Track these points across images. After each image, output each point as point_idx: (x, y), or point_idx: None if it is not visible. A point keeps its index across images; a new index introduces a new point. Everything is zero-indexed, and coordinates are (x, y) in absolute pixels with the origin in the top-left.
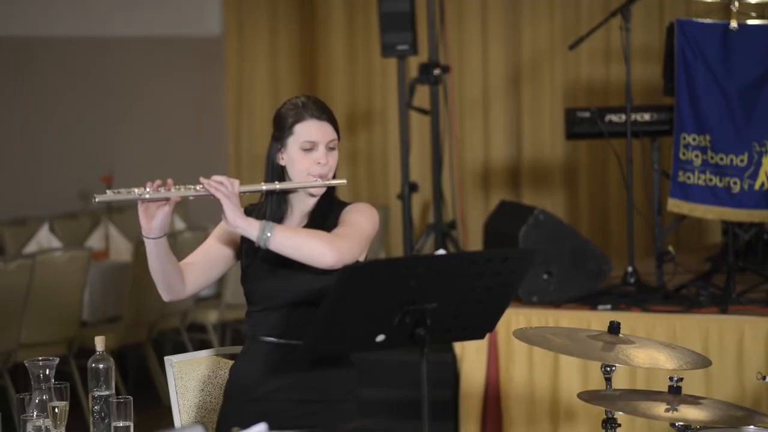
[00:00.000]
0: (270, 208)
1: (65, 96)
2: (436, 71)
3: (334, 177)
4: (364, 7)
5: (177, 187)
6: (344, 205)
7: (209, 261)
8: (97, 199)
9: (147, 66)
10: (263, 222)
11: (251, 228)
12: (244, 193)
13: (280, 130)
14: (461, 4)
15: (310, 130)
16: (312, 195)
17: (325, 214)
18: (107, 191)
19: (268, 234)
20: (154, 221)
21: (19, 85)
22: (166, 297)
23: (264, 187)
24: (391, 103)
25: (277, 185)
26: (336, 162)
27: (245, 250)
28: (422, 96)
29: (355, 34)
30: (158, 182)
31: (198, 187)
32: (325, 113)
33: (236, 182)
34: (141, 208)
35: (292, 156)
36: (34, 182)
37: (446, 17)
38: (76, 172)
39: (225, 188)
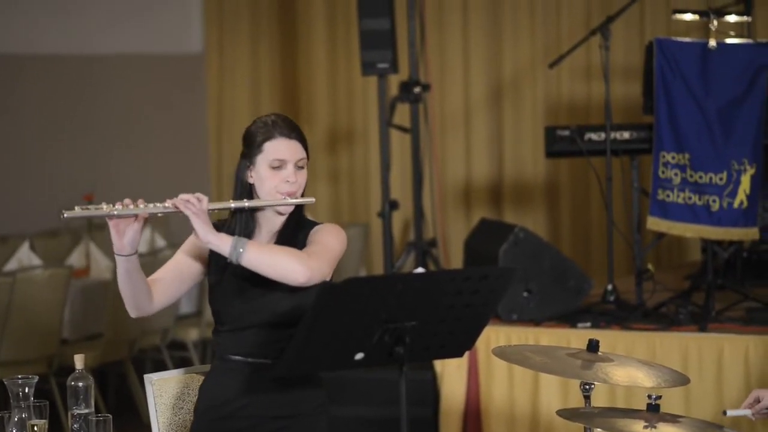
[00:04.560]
0: (238, 226)
1: (46, 113)
2: (417, 89)
3: (302, 196)
4: (345, 25)
5: (145, 203)
6: (313, 224)
7: (177, 277)
8: (65, 215)
9: (128, 83)
10: (235, 237)
11: (223, 244)
12: (213, 210)
13: (249, 147)
14: (442, 22)
15: (279, 148)
16: (280, 213)
17: (294, 233)
18: (76, 207)
19: (241, 249)
20: (125, 238)
21: None
22: (133, 314)
23: (233, 204)
24: (372, 121)
25: (246, 203)
26: (305, 181)
27: (213, 267)
28: (403, 114)
29: (336, 52)
30: (127, 200)
31: (167, 204)
32: (294, 131)
33: (205, 199)
34: (111, 225)
35: (261, 174)
36: (15, 200)
37: (427, 35)
38: (57, 189)
39: (193, 206)
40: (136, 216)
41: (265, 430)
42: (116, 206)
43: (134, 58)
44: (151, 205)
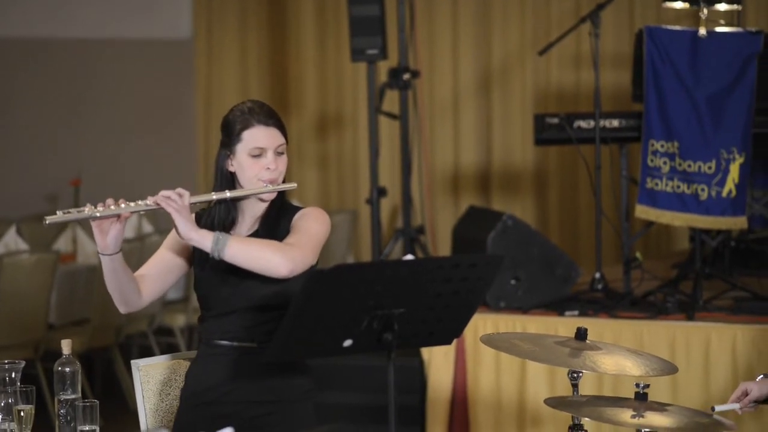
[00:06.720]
0: (219, 215)
1: (34, 97)
2: (406, 76)
3: (283, 181)
4: (335, 11)
5: (127, 203)
6: (295, 209)
7: (162, 271)
8: (48, 221)
9: (117, 68)
10: (216, 234)
11: (205, 240)
12: (195, 203)
13: (228, 136)
14: (432, 8)
15: (258, 136)
16: (262, 200)
17: (277, 219)
18: (57, 212)
19: (222, 246)
20: (108, 238)
21: None
22: (122, 309)
23: (215, 196)
24: (361, 107)
25: (228, 194)
26: (285, 166)
27: (197, 258)
28: (392, 100)
29: (325, 38)
30: (109, 200)
31: (148, 202)
32: (272, 118)
33: (186, 194)
34: (95, 226)
35: (241, 162)
36: (2, 184)
37: (416, 22)
38: (44, 174)
39: (175, 202)
40: (118, 216)
41: (250, 415)
42: (98, 207)
43: (123, 43)
44: (133, 204)
